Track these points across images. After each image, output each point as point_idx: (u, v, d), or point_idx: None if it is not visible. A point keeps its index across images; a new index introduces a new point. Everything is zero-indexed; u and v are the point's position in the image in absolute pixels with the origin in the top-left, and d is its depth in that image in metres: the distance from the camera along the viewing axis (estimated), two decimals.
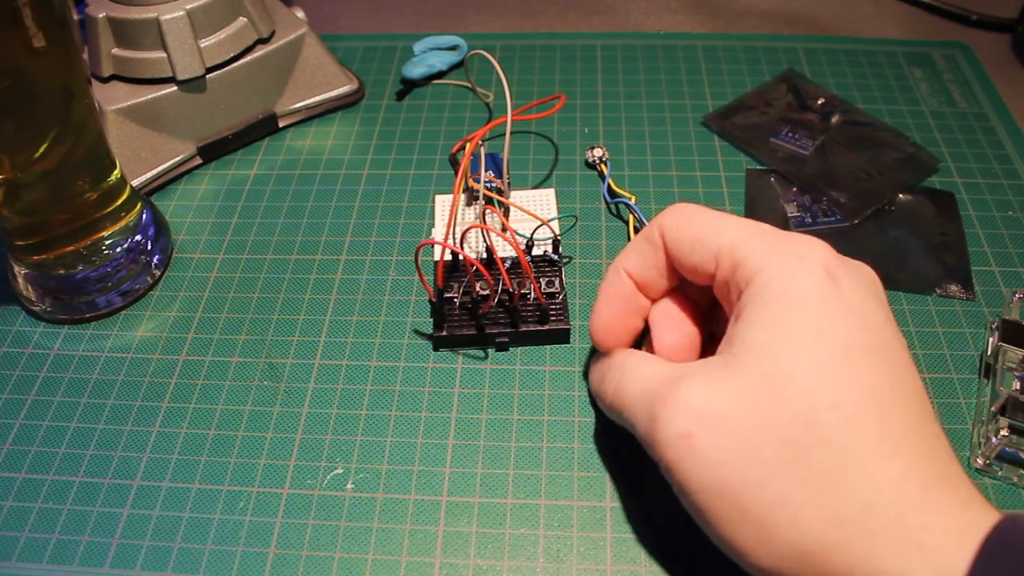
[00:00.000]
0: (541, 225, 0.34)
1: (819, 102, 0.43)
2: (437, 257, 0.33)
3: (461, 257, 0.33)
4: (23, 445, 0.30)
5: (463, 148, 0.40)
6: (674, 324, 0.27)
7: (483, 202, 0.35)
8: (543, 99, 0.43)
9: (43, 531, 0.28)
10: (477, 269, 0.30)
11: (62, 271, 0.33)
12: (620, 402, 0.25)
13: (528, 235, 0.34)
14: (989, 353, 0.31)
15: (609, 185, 0.38)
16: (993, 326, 0.31)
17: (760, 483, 0.21)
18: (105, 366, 0.33)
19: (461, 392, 0.31)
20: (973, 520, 0.19)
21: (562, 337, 0.32)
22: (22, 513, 0.28)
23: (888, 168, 0.39)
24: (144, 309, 0.35)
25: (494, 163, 0.37)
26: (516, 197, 0.37)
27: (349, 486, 0.29)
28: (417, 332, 0.33)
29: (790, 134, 0.41)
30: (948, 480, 0.20)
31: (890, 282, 0.34)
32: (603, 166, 0.40)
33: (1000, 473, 0.28)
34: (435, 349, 0.32)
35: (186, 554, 0.27)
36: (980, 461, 0.28)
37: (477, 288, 0.32)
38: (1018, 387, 0.29)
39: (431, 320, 0.33)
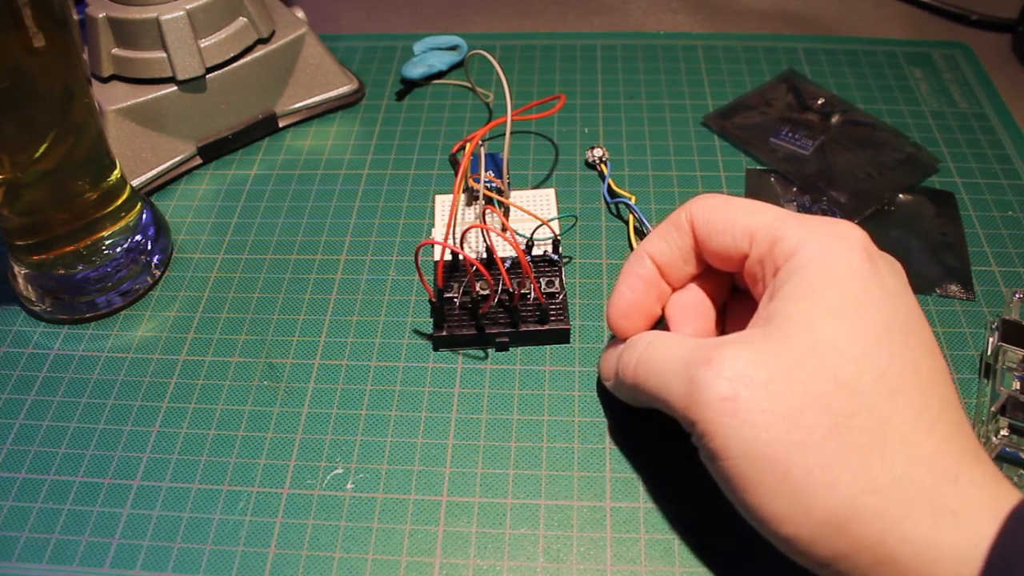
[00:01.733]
0: (541, 225, 0.34)
1: (819, 102, 0.43)
2: (437, 257, 0.33)
3: (461, 257, 0.33)
4: (23, 445, 0.30)
5: (463, 148, 0.40)
6: (693, 315, 0.27)
7: (483, 202, 0.35)
8: (543, 99, 0.43)
9: (43, 531, 0.28)
10: (477, 269, 0.30)
11: (62, 271, 0.33)
12: (647, 371, 0.25)
13: (528, 235, 0.34)
14: (989, 353, 0.31)
15: (609, 185, 0.38)
16: (993, 326, 0.31)
17: (802, 448, 0.21)
18: (105, 366, 0.33)
19: (461, 392, 0.31)
20: (1005, 493, 0.20)
21: (562, 337, 0.32)
22: (22, 513, 0.28)
23: (888, 168, 0.39)
24: (144, 309, 0.35)
25: (494, 163, 0.37)
26: (516, 197, 0.37)
27: (349, 486, 0.29)
28: (417, 332, 0.33)
29: (790, 134, 0.41)
30: (980, 457, 0.21)
31: None
32: (603, 166, 0.40)
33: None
34: (435, 349, 0.32)
35: (186, 554, 0.27)
36: None
37: (477, 288, 0.32)
38: (1018, 387, 0.29)
39: (431, 320, 0.33)
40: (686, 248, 0.27)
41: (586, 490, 0.28)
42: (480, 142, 0.36)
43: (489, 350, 0.32)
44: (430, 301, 0.33)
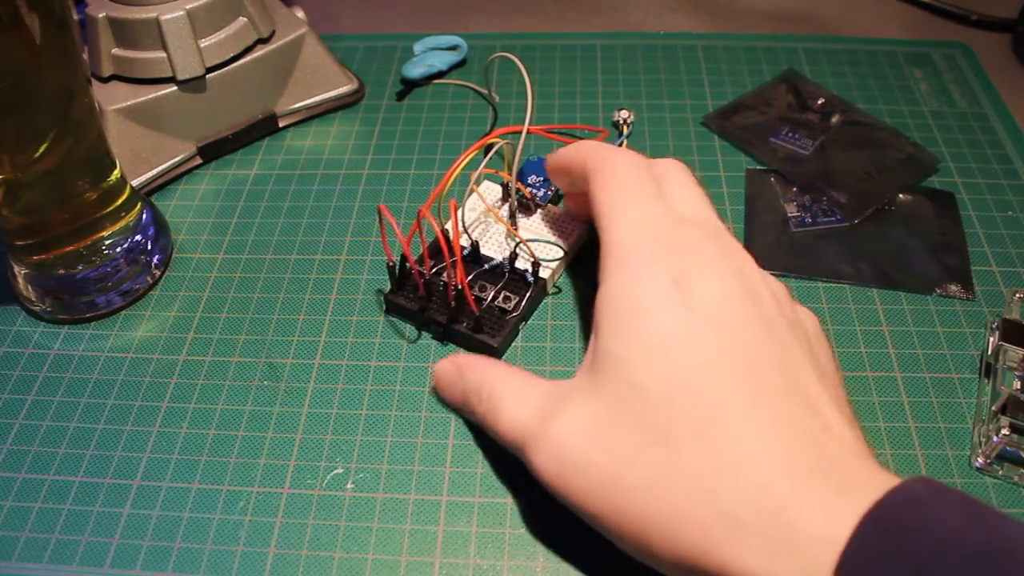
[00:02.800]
0: (519, 243, 0.33)
1: (819, 102, 0.43)
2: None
3: (439, 235, 0.32)
4: (23, 445, 0.30)
5: (490, 147, 0.35)
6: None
7: (468, 203, 0.35)
8: (586, 126, 0.42)
9: (43, 531, 0.28)
10: (434, 247, 0.31)
11: (62, 271, 0.33)
12: (494, 432, 0.26)
13: (532, 246, 0.33)
14: (989, 353, 0.31)
15: None
16: (993, 326, 0.31)
17: (627, 506, 0.22)
18: (105, 366, 0.33)
19: None
20: (849, 506, 0.19)
21: (491, 352, 0.32)
22: (22, 513, 0.28)
23: (888, 168, 0.39)
24: (144, 309, 0.35)
25: (534, 168, 0.37)
26: (550, 212, 0.36)
27: (349, 486, 0.29)
28: (378, 290, 0.34)
29: (790, 134, 0.41)
30: (821, 469, 0.20)
31: (890, 282, 0.34)
32: (626, 127, 0.42)
33: (1001, 472, 0.28)
34: (386, 312, 0.34)
35: (186, 554, 0.27)
36: (981, 460, 0.28)
37: (429, 266, 0.32)
38: (1018, 386, 0.29)
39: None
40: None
41: None
42: (502, 140, 0.34)
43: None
44: (387, 264, 0.33)
